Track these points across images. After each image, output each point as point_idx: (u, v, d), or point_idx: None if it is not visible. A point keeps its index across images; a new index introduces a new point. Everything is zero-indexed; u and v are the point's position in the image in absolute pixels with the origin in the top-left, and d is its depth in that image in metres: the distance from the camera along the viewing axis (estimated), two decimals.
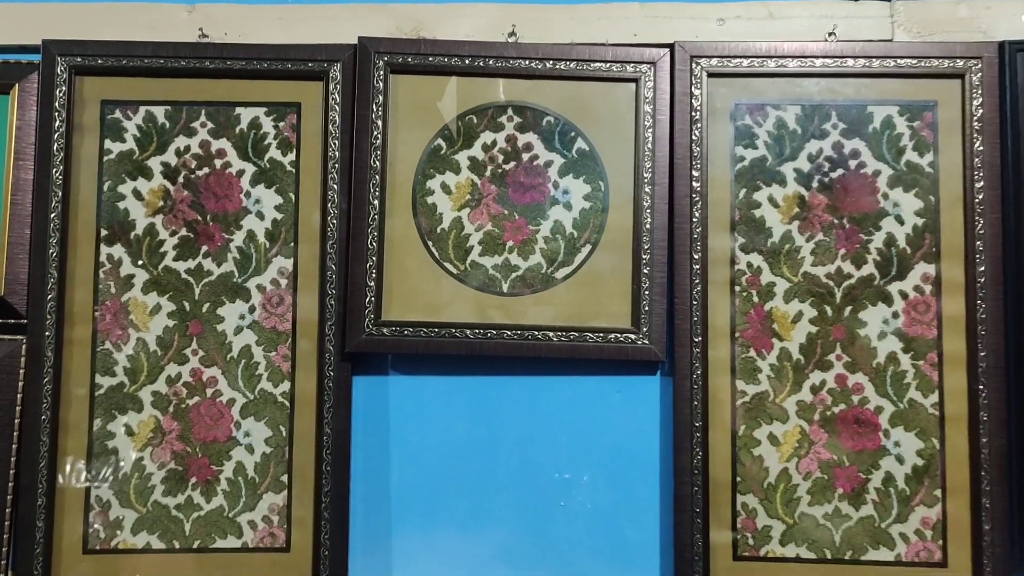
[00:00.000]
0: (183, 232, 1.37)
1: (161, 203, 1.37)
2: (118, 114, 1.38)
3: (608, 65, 1.36)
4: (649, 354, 1.33)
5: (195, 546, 1.33)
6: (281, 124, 1.38)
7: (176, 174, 1.38)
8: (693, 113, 1.34)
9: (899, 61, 1.34)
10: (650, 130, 1.35)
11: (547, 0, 1.42)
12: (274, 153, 1.38)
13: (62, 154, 1.35)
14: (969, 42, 1.35)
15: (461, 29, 1.41)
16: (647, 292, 1.33)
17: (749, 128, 1.36)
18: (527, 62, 1.37)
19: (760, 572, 1.31)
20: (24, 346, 1.33)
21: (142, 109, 1.38)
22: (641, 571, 1.35)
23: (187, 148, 1.38)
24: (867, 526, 1.30)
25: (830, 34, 1.38)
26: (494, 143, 1.38)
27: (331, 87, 1.36)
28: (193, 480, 1.34)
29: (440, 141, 1.38)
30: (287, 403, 1.35)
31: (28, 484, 1.31)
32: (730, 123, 1.36)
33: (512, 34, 1.40)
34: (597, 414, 1.37)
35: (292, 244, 1.37)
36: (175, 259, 1.37)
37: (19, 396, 1.32)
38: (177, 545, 1.33)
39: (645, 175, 1.35)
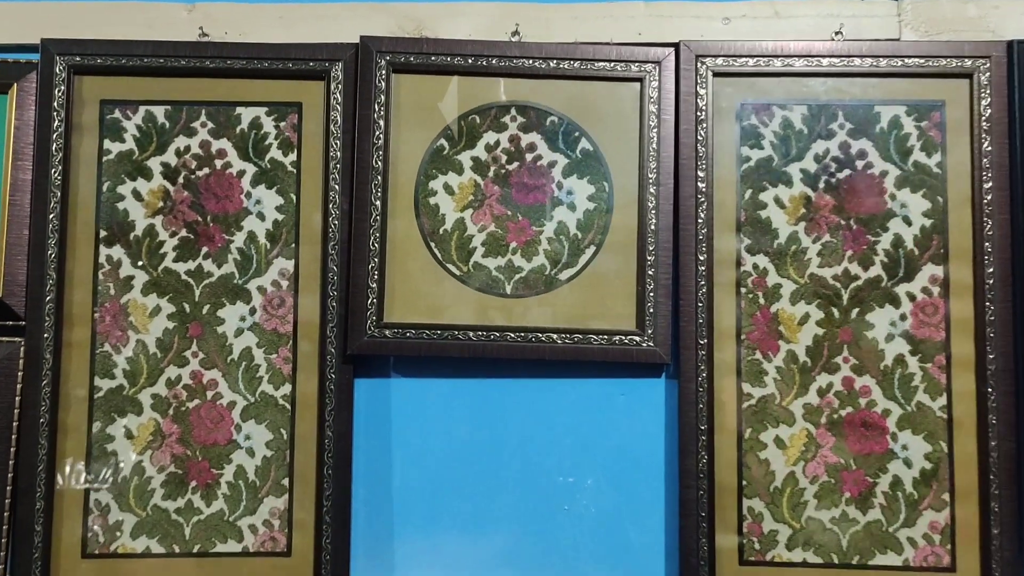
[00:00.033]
0: (183, 233, 1.36)
1: (161, 204, 1.36)
2: (117, 114, 1.37)
3: (612, 64, 1.35)
4: (654, 356, 1.31)
5: (195, 550, 1.32)
6: (282, 124, 1.37)
7: (176, 174, 1.37)
8: (698, 113, 1.33)
9: (907, 60, 1.33)
10: (655, 130, 1.34)
11: None
12: (275, 153, 1.37)
13: (61, 154, 1.34)
14: (977, 41, 1.34)
15: (462, 28, 1.40)
16: (652, 294, 1.32)
17: (755, 128, 1.35)
18: (530, 61, 1.36)
19: None
20: (22, 348, 1.32)
21: (142, 109, 1.37)
22: None
23: (187, 148, 1.37)
24: (874, 530, 1.29)
25: (837, 33, 1.37)
26: (497, 143, 1.36)
27: (332, 87, 1.35)
28: (193, 484, 1.33)
29: (443, 141, 1.37)
30: (288, 406, 1.34)
31: (27, 487, 1.30)
32: (736, 123, 1.35)
33: (515, 33, 1.39)
34: (601, 417, 1.36)
35: (293, 245, 1.36)
36: (175, 260, 1.36)
37: (17, 399, 1.32)
38: (177, 549, 1.32)
39: (650, 176, 1.34)
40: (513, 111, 1.37)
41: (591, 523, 1.35)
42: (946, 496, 1.29)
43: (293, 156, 1.37)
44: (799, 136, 1.34)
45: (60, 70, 1.35)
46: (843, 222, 1.33)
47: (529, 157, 1.36)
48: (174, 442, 1.34)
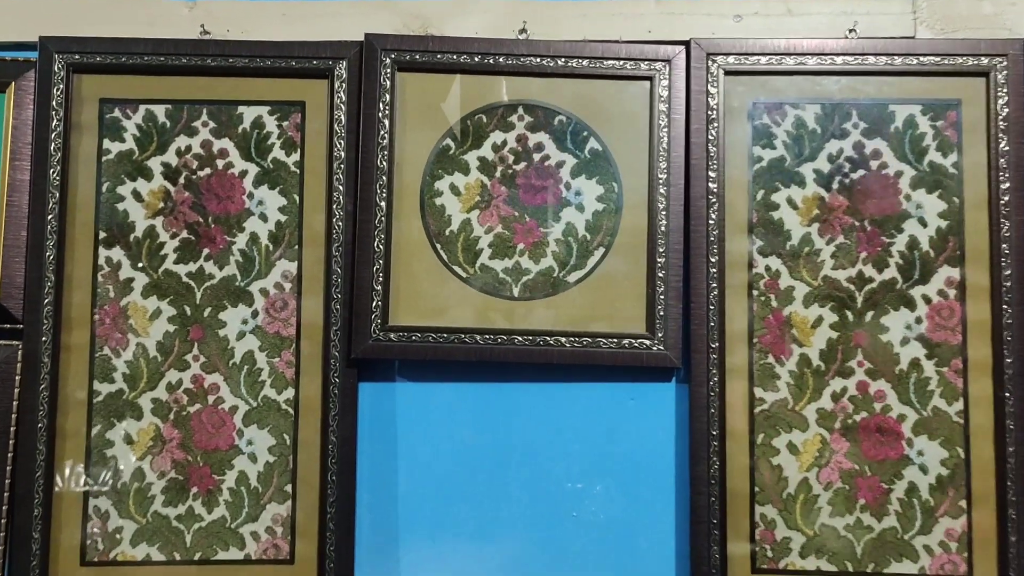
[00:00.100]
0: (184, 234, 1.34)
1: (161, 204, 1.35)
2: (117, 113, 1.35)
3: (622, 63, 1.33)
4: (664, 360, 1.29)
5: (196, 558, 1.30)
6: (285, 123, 1.35)
7: (177, 175, 1.35)
8: (709, 112, 1.31)
9: (922, 59, 1.31)
10: (665, 129, 1.32)
11: None
12: (278, 153, 1.35)
13: (60, 154, 1.33)
14: (994, 39, 1.33)
15: (469, 26, 1.39)
16: (662, 296, 1.30)
17: (767, 128, 1.33)
18: (538, 59, 1.34)
19: None
20: (20, 351, 1.31)
21: (142, 108, 1.36)
22: None
23: (188, 148, 1.35)
24: (890, 538, 1.27)
25: (851, 31, 1.36)
26: (504, 143, 1.34)
27: (336, 85, 1.34)
28: (194, 490, 1.31)
29: (448, 141, 1.35)
30: (291, 410, 1.32)
31: (24, 493, 1.28)
32: (747, 122, 1.33)
33: (523, 31, 1.37)
34: (610, 422, 1.34)
35: (296, 247, 1.34)
36: (176, 262, 1.34)
37: (15, 403, 1.30)
38: (178, 557, 1.30)
39: (660, 176, 1.32)
40: (520, 110, 1.35)
41: (600, 530, 1.33)
42: (963, 503, 1.27)
43: (296, 156, 1.35)
44: (812, 136, 1.32)
45: (59, 68, 1.33)
46: (857, 223, 1.31)
47: (537, 157, 1.34)
48: (175, 447, 1.32)
